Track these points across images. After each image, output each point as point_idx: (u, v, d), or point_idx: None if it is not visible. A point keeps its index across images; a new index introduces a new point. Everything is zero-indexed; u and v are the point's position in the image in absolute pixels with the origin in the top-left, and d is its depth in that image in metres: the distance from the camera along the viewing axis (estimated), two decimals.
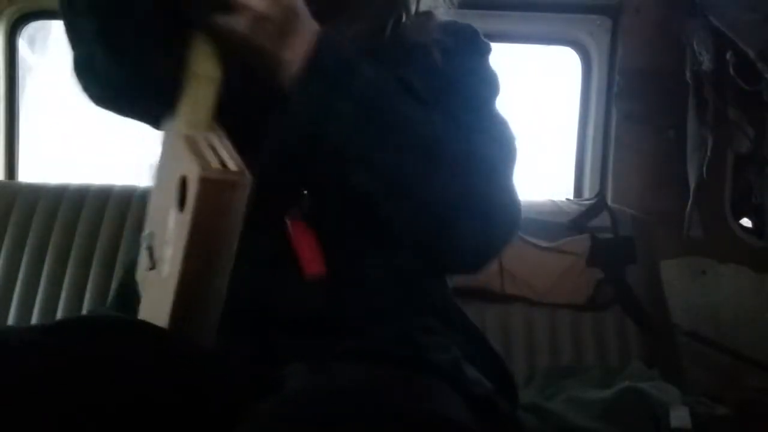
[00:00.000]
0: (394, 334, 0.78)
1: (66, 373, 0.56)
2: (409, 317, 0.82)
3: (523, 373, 1.59)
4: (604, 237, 1.74)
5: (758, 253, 1.91)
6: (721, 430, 1.26)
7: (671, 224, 1.89)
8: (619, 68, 1.94)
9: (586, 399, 1.35)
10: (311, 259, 0.77)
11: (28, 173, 2.02)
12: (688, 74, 1.85)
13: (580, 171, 2.05)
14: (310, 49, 0.71)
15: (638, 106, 1.94)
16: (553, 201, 1.85)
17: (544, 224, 1.76)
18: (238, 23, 0.68)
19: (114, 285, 1.60)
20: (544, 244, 1.72)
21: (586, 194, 2.00)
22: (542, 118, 2.16)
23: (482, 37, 0.95)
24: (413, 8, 0.91)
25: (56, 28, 2.11)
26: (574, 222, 1.77)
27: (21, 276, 1.64)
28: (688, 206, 1.88)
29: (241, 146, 0.68)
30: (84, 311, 1.59)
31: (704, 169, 1.84)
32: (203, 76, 0.69)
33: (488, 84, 0.92)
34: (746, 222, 1.98)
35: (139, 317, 0.75)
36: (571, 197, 1.99)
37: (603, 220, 1.77)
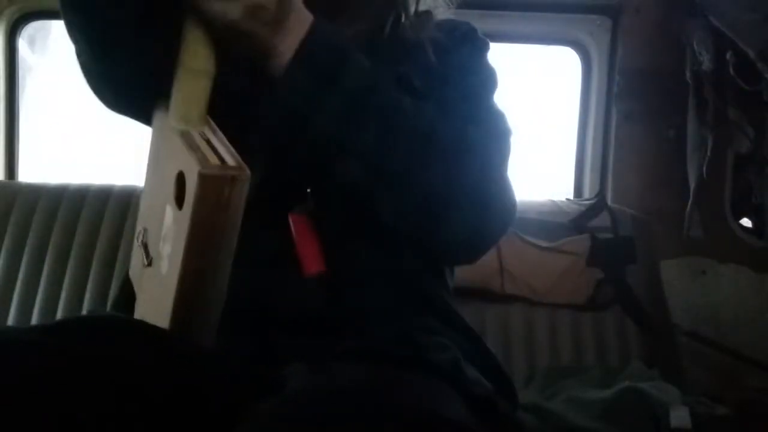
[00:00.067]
0: (394, 334, 0.78)
1: (66, 373, 0.56)
2: (409, 317, 0.81)
3: (523, 373, 1.59)
4: (604, 237, 1.75)
5: (758, 253, 1.91)
6: (721, 430, 1.26)
7: (671, 224, 1.89)
8: (619, 68, 1.94)
9: (586, 399, 1.35)
10: (312, 258, 0.77)
11: (28, 173, 2.02)
12: (688, 74, 1.85)
13: (580, 171, 2.05)
14: (303, 37, 0.71)
15: (638, 106, 1.94)
16: (553, 201, 1.85)
17: (544, 224, 1.76)
18: (232, 10, 0.67)
19: (114, 285, 1.60)
20: (544, 244, 1.72)
21: (586, 194, 2.00)
22: (542, 118, 2.16)
23: (479, 34, 0.95)
24: (413, 8, 0.91)
25: (56, 28, 2.11)
26: (574, 222, 1.77)
27: (21, 276, 1.64)
28: (688, 206, 1.88)
29: (232, 138, 0.67)
30: (84, 311, 1.59)
31: (704, 169, 1.84)
32: (197, 70, 0.69)
33: (485, 79, 0.91)
34: (746, 222, 1.98)
35: (136, 315, 0.75)
36: (571, 197, 1.99)
37: (603, 220, 1.77)
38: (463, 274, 1.37)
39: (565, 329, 1.67)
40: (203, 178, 0.61)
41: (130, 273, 0.81)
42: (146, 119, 0.82)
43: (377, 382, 0.62)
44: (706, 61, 1.79)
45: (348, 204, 0.79)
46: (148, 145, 0.82)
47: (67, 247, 1.66)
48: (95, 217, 1.69)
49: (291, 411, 0.56)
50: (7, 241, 1.67)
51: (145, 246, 0.75)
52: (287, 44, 0.70)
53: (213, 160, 0.63)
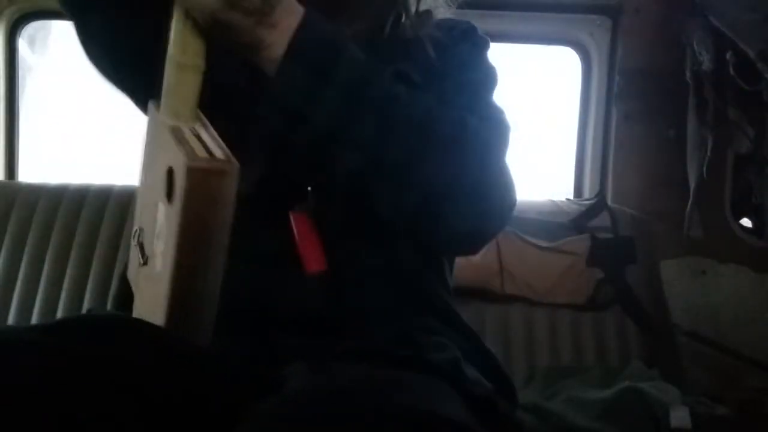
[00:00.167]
0: (394, 334, 0.78)
1: (66, 373, 0.56)
2: (409, 317, 0.81)
3: (523, 373, 1.59)
4: (604, 237, 1.75)
5: (758, 253, 1.91)
6: (721, 430, 1.26)
7: (671, 224, 1.89)
8: (619, 68, 1.94)
9: (586, 399, 1.35)
10: (313, 257, 0.77)
11: (28, 173, 2.02)
12: (688, 74, 1.85)
13: (580, 171, 2.05)
14: (294, 31, 0.70)
15: (638, 106, 1.94)
16: (553, 201, 1.86)
17: (544, 224, 1.76)
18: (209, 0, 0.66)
19: (114, 285, 1.60)
20: (544, 244, 1.72)
21: (586, 194, 2.00)
22: (542, 118, 2.16)
23: (479, 32, 0.94)
24: (413, 8, 0.91)
25: (56, 28, 2.11)
26: (574, 222, 1.77)
27: (21, 276, 1.65)
28: (688, 206, 1.88)
29: (230, 135, 0.67)
30: (84, 311, 1.59)
31: (704, 169, 1.84)
32: (185, 65, 0.68)
33: (484, 76, 0.91)
34: (746, 222, 1.98)
35: (134, 315, 0.75)
36: (571, 197, 1.99)
37: (603, 220, 1.77)
38: (463, 274, 1.37)
39: (565, 329, 1.67)
40: (191, 171, 0.61)
41: (128, 274, 0.81)
42: (143, 96, 0.82)
43: (377, 382, 0.62)
44: (706, 61, 1.79)
45: (348, 202, 0.78)
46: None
47: (67, 247, 1.66)
48: (95, 217, 1.69)
49: (291, 411, 0.56)
50: (7, 241, 1.67)
51: (141, 245, 0.74)
52: (274, 37, 0.69)
53: (201, 153, 0.63)
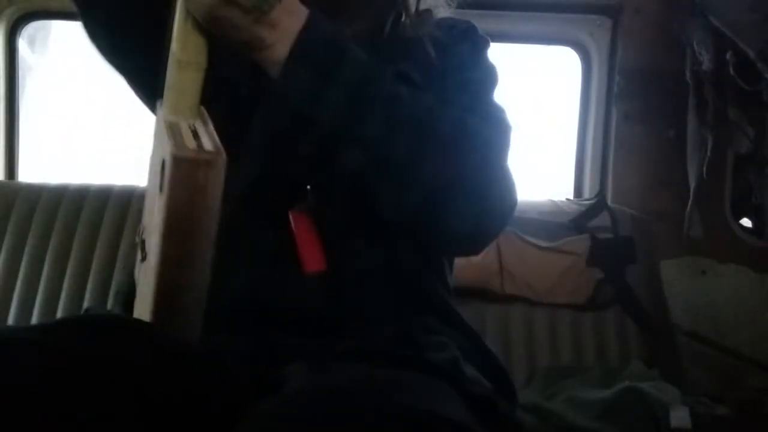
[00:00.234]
0: (394, 334, 0.78)
1: (66, 373, 0.56)
2: (408, 317, 0.81)
3: (523, 373, 1.59)
4: (604, 237, 1.75)
5: (758, 253, 1.91)
6: (721, 430, 1.26)
7: (671, 224, 1.89)
8: (619, 68, 1.94)
9: (586, 399, 1.35)
10: (313, 256, 0.77)
11: (28, 173, 2.02)
12: (688, 74, 1.85)
13: (580, 171, 2.05)
14: (297, 32, 0.70)
15: (638, 106, 1.94)
16: (553, 201, 1.86)
17: (544, 224, 1.76)
18: None
19: (114, 284, 1.60)
20: (544, 244, 1.72)
21: (586, 194, 2.00)
22: (542, 118, 2.16)
23: (479, 31, 0.94)
24: (413, 8, 0.91)
25: (56, 28, 2.11)
26: (574, 222, 1.77)
27: (21, 276, 1.65)
28: (688, 206, 1.88)
29: (230, 133, 0.67)
30: (83, 311, 1.59)
31: (704, 169, 1.84)
32: (186, 62, 0.68)
33: (484, 75, 0.91)
34: (746, 222, 1.98)
35: (134, 311, 0.75)
36: (571, 197, 1.99)
37: (603, 220, 1.77)
38: (463, 274, 1.37)
39: (565, 329, 1.67)
40: (177, 161, 0.61)
41: (135, 271, 0.82)
42: (149, 91, 0.82)
43: (377, 382, 0.62)
44: (706, 61, 1.79)
45: (348, 201, 0.78)
46: (147, 145, 0.82)
47: (67, 247, 1.66)
48: (95, 217, 1.69)
49: (291, 411, 0.56)
50: (7, 241, 1.67)
51: (143, 242, 0.75)
52: (275, 37, 0.69)
53: (191, 144, 0.63)
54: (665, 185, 1.94)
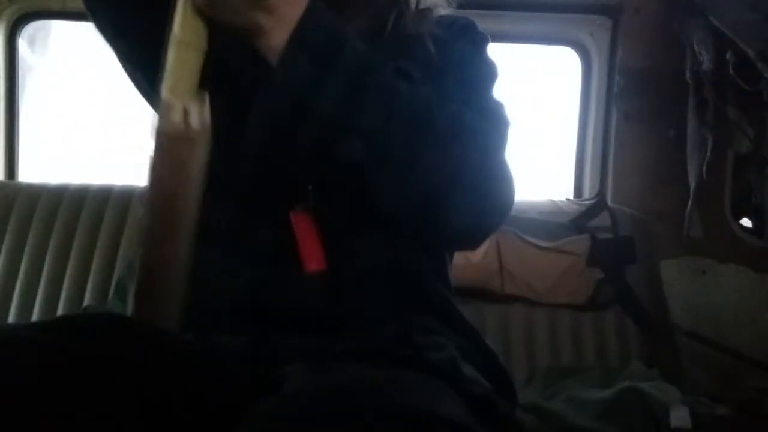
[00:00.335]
0: (394, 334, 0.78)
1: (66, 372, 0.56)
2: (408, 317, 0.81)
3: (523, 373, 1.59)
4: (604, 237, 1.75)
5: (758, 253, 1.91)
6: (721, 430, 1.26)
7: (671, 224, 1.89)
8: (619, 68, 1.94)
9: (586, 399, 1.35)
10: (312, 256, 0.77)
11: (28, 173, 2.02)
12: (688, 74, 1.85)
13: (580, 171, 2.05)
14: (295, 19, 0.70)
15: (638, 106, 1.94)
16: (553, 201, 1.86)
17: (544, 224, 1.76)
18: None
19: (114, 284, 1.60)
20: (544, 244, 1.72)
21: (586, 194, 2.00)
22: (542, 118, 2.16)
23: (478, 28, 0.94)
24: (413, 6, 0.91)
25: (56, 28, 2.11)
26: (574, 222, 1.77)
27: (21, 276, 1.65)
28: (688, 206, 1.88)
29: (235, 124, 0.68)
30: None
31: (704, 169, 1.84)
32: (185, 43, 0.69)
33: (483, 72, 0.91)
34: (746, 222, 1.98)
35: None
36: (571, 197, 1.99)
37: (603, 220, 1.78)
38: (463, 274, 1.37)
39: (565, 329, 1.67)
40: (159, 135, 0.63)
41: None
42: (143, 70, 0.82)
43: (377, 382, 0.62)
44: (706, 61, 1.79)
45: (348, 196, 0.78)
46: (148, 145, 0.83)
47: (67, 247, 1.66)
48: (95, 217, 1.69)
49: (291, 411, 0.56)
50: (7, 241, 1.67)
51: None
52: (272, 23, 0.69)
53: (177, 121, 0.64)
54: (665, 185, 1.94)
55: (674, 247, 1.90)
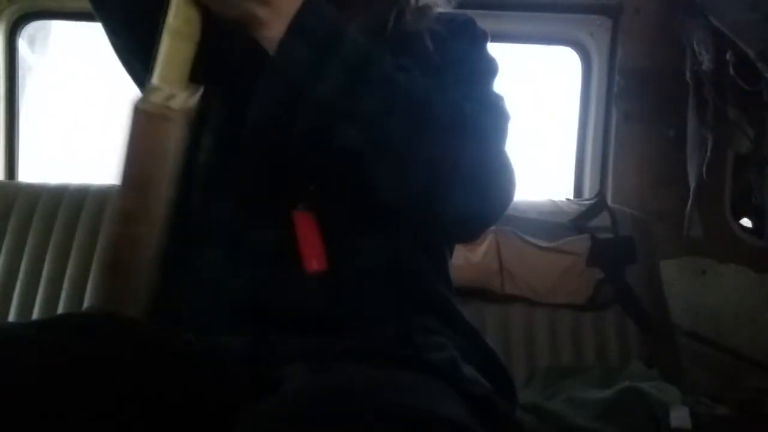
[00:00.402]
0: (394, 334, 0.78)
1: (66, 372, 0.56)
2: (408, 317, 0.81)
3: (523, 373, 1.59)
4: (604, 237, 1.75)
5: (758, 253, 1.92)
6: (721, 430, 1.26)
7: (671, 224, 1.89)
8: (619, 68, 1.94)
9: (586, 399, 1.35)
10: (313, 256, 0.77)
11: (28, 173, 2.02)
12: (688, 74, 1.85)
13: (580, 171, 2.05)
14: (291, 11, 0.70)
15: (638, 106, 1.94)
16: (553, 201, 1.86)
17: (544, 224, 1.76)
18: None
19: None
20: (544, 244, 1.72)
21: (586, 194, 2.00)
22: (542, 118, 2.16)
23: (477, 25, 0.94)
24: (413, 3, 0.91)
25: (56, 28, 2.11)
26: (574, 222, 1.77)
27: (21, 276, 1.65)
28: (688, 206, 1.88)
29: (231, 113, 0.67)
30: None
31: (704, 169, 1.84)
32: (178, 31, 0.69)
33: (483, 68, 0.91)
34: (746, 222, 1.98)
35: None
36: (571, 197, 1.99)
37: (603, 220, 1.77)
38: (463, 274, 1.37)
39: (565, 329, 1.67)
40: (136, 112, 0.64)
41: None
42: (140, 48, 0.82)
43: (377, 382, 0.62)
44: (706, 61, 1.79)
45: (349, 195, 0.78)
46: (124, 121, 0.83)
47: (67, 247, 1.66)
48: (95, 217, 1.69)
49: (291, 411, 0.56)
50: (7, 241, 1.67)
51: None
52: (268, 15, 0.69)
53: (157, 101, 0.64)
54: (665, 185, 1.94)
55: (674, 247, 1.91)
